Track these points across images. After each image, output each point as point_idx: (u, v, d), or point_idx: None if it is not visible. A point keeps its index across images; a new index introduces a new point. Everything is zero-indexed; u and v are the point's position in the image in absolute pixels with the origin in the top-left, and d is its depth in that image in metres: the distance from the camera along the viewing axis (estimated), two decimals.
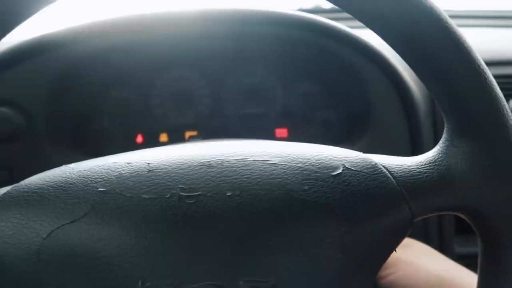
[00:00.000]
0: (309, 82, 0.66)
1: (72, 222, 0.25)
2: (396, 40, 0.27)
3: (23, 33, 0.51)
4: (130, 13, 0.56)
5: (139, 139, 0.65)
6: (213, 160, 0.27)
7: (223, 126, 0.67)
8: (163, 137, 0.66)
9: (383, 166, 0.28)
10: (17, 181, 0.55)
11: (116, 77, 0.63)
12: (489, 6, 0.97)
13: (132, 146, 0.65)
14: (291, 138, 0.67)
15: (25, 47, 0.52)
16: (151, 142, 0.65)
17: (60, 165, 0.56)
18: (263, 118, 0.67)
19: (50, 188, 0.26)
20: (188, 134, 0.66)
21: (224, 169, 0.27)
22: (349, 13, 0.28)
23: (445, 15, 0.27)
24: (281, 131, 0.67)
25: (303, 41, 0.60)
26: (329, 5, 0.89)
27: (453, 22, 0.27)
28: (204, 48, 0.63)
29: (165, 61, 0.65)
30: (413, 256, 0.45)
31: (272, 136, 0.67)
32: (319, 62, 0.64)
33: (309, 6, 0.93)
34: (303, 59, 0.64)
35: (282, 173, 0.27)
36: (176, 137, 0.66)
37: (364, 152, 0.62)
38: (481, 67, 0.27)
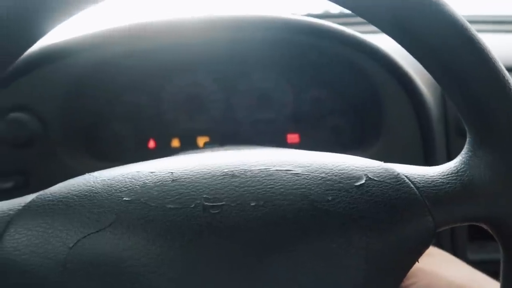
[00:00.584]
0: (321, 87, 0.66)
1: (97, 231, 0.25)
2: (420, 52, 0.27)
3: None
4: (143, 20, 0.56)
5: (151, 144, 0.65)
6: (236, 170, 0.27)
7: (234, 132, 0.67)
8: (175, 142, 0.66)
9: (406, 176, 0.28)
10: (33, 186, 0.55)
11: (129, 82, 0.64)
12: (490, 10, 0.96)
13: (144, 151, 0.65)
14: (302, 143, 0.67)
15: (41, 54, 0.53)
16: (163, 147, 0.65)
17: (74, 170, 0.56)
18: (275, 123, 0.67)
19: (75, 197, 0.27)
20: (200, 139, 0.66)
21: (247, 179, 0.27)
22: (368, 21, 0.28)
23: (468, 25, 0.27)
24: (293, 137, 0.67)
25: (314, 47, 0.60)
26: (338, 10, 0.89)
27: (476, 32, 0.27)
28: (216, 53, 0.64)
29: (177, 66, 0.65)
30: (436, 264, 0.45)
31: (283, 142, 0.67)
32: (330, 68, 0.64)
33: (319, 11, 0.93)
34: (315, 65, 0.64)
35: (305, 183, 0.27)
36: (188, 143, 0.66)
37: (376, 158, 0.62)
38: (505, 78, 0.27)
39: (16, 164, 0.52)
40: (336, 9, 0.89)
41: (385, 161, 0.61)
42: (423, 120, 0.59)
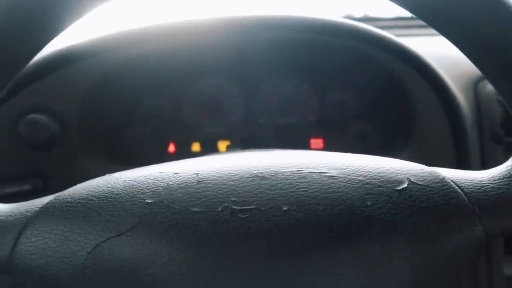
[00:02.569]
0: (346, 90, 0.64)
1: (118, 235, 0.23)
2: (480, 55, 0.25)
3: (59, 41, 0.51)
4: (164, 22, 0.55)
5: (171, 148, 0.64)
6: (266, 172, 0.25)
7: (256, 136, 0.65)
8: (196, 147, 0.64)
9: (452, 181, 0.26)
10: (52, 189, 0.54)
11: (149, 85, 0.63)
12: None
13: (164, 155, 0.63)
14: (326, 148, 0.64)
15: (62, 55, 0.52)
16: (183, 151, 0.64)
17: (94, 174, 0.55)
18: (297, 127, 0.65)
19: (95, 199, 0.25)
20: (220, 143, 0.65)
21: (278, 181, 0.25)
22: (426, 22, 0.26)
23: None
24: (316, 142, 0.65)
25: (340, 48, 0.58)
26: (376, 14, 0.85)
27: None
28: (238, 56, 0.62)
29: (198, 69, 0.64)
30: None
31: (306, 146, 0.65)
32: (356, 70, 0.62)
33: (359, 15, 0.90)
34: (340, 67, 0.62)
35: (342, 186, 0.24)
36: (209, 147, 0.64)
37: None
38: None
39: (34, 167, 0.51)
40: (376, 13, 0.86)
41: None
42: (456, 126, 0.56)
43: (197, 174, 0.26)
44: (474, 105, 0.58)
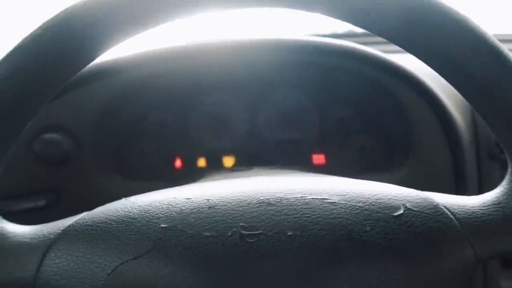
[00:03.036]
0: (347, 108, 0.66)
1: (135, 258, 0.25)
2: (457, 78, 0.27)
3: None
4: (173, 44, 0.57)
5: (178, 163, 0.66)
6: (272, 198, 0.27)
7: (260, 152, 0.67)
8: (201, 162, 0.66)
9: (445, 207, 0.27)
10: (65, 204, 0.56)
11: (156, 102, 0.65)
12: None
13: (170, 170, 0.65)
14: (328, 164, 0.66)
15: (77, 75, 0.54)
16: (189, 166, 0.66)
17: (105, 189, 0.57)
18: (300, 143, 0.67)
19: (114, 223, 0.27)
20: (225, 159, 0.67)
21: (283, 207, 0.27)
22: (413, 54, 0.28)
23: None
24: (318, 157, 0.67)
25: (340, 68, 0.60)
26: (361, 30, 0.88)
27: None
28: (242, 74, 0.64)
29: (204, 86, 0.66)
30: None
31: (308, 162, 0.67)
32: (356, 89, 0.64)
33: (342, 30, 0.93)
34: (341, 85, 0.64)
35: (342, 212, 0.26)
36: (214, 162, 0.66)
37: (405, 181, 0.60)
38: None
39: (49, 183, 0.53)
40: (345, 28, 0.89)
41: (414, 185, 0.60)
42: (453, 143, 0.58)
43: (208, 199, 0.28)
44: (470, 123, 0.60)
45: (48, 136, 0.51)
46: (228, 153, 0.67)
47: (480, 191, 0.58)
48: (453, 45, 0.26)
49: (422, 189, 0.61)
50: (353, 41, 0.61)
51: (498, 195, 0.28)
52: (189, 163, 0.66)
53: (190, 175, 0.63)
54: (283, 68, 0.61)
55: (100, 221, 0.27)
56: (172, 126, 0.66)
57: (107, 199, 0.57)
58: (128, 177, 0.62)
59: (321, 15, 0.27)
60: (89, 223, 0.28)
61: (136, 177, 0.63)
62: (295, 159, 0.67)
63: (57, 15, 0.26)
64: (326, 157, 0.67)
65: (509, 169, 0.29)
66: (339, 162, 0.66)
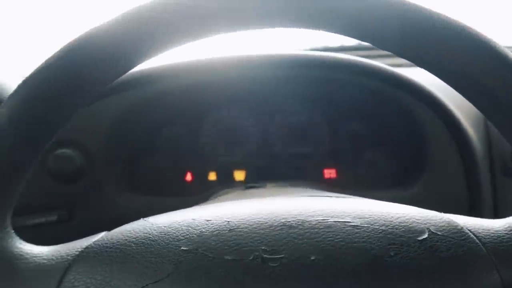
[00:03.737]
0: (359, 123, 0.65)
1: (156, 282, 0.25)
2: (486, 103, 0.27)
3: None
4: (185, 59, 0.58)
5: (188, 177, 0.66)
6: (293, 220, 0.27)
7: (271, 166, 0.67)
8: (212, 176, 0.66)
9: (470, 231, 0.27)
10: (76, 219, 0.56)
11: (168, 116, 0.65)
12: None
13: (181, 184, 0.65)
14: (340, 179, 0.66)
15: None
16: (200, 180, 0.66)
17: (116, 204, 0.57)
18: (312, 157, 0.67)
19: (133, 245, 0.27)
20: (236, 173, 0.66)
21: (305, 231, 0.26)
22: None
23: None
24: (330, 172, 0.66)
25: (351, 83, 0.60)
26: (355, 43, 0.88)
27: None
28: (253, 89, 0.64)
29: (216, 100, 0.66)
30: None
31: (320, 177, 0.66)
32: (368, 104, 0.64)
33: (351, 43, 0.93)
34: (353, 100, 0.64)
35: (366, 236, 0.26)
36: (225, 176, 0.66)
37: (419, 197, 0.59)
38: None
39: (60, 198, 0.53)
40: (353, 41, 0.89)
41: (428, 202, 0.59)
42: (467, 159, 0.57)
43: (228, 221, 0.27)
44: (484, 139, 0.59)
45: (60, 152, 0.51)
46: (239, 167, 0.67)
47: (495, 208, 0.57)
48: (468, 61, 0.26)
49: (436, 206, 0.60)
50: (362, 54, 0.61)
51: None
52: (200, 176, 0.66)
53: (202, 189, 0.63)
54: (293, 82, 0.61)
55: (119, 242, 0.27)
56: (184, 140, 0.66)
57: (118, 214, 0.57)
58: (139, 191, 0.62)
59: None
60: (108, 244, 0.27)
61: (147, 191, 0.62)
62: (306, 173, 0.66)
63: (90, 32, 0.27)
64: (338, 172, 0.66)
65: None
66: (351, 177, 0.65)
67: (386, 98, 0.59)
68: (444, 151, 0.58)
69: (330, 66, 0.57)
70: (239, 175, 0.66)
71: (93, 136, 0.55)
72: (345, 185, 0.64)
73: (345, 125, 0.66)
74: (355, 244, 0.25)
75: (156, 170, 0.65)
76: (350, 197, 0.34)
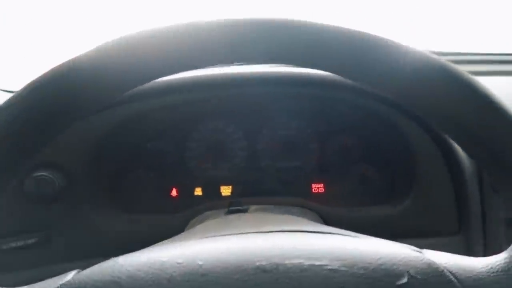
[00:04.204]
0: (347, 138, 0.64)
1: None
2: (471, 145, 0.26)
3: None
4: (171, 77, 0.56)
5: (174, 193, 0.65)
6: (268, 264, 0.26)
7: (258, 180, 0.66)
8: (198, 191, 0.65)
9: (451, 273, 0.26)
10: (56, 241, 0.54)
11: (153, 132, 0.64)
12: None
13: (166, 199, 0.64)
14: (328, 194, 0.65)
15: None
16: (186, 196, 0.64)
17: (97, 225, 0.55)
18: (299, 172, 0.65)
19: None
20: (223, 188, 0.65)
21: (280, 275, 0.25)
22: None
23: None
24: (318, 186, 0.65)
25: (340, 100, 0.59)
26: None
27: None
28: (240, 102, 0.63)
29: (202, 115, 0.64)
30: None
31: (308, 191, 0.65)
32: (357, 120, 0.63)
33: None
34: (341, 117, 0.63)
35: (344, 281, 0.25)
36: (211, 191, 0.65)
37: (407, 213, 0.58)
38: None
39: (40, 220, 0.52)
40: None
41: (416, 218, 0.58)
42: (456, 175, 0.56)
43: (201, 265, 0.26)
44: None
45: (39, 173, 0.49)
46: (225, 182, 0.65)
47: (484, 224, 0.57)
48: (456, 106, 0.25)
49: (425, 223, 0.59)
50: None
51: (506, 260, 0.27)
52: (185, 192, 0.64)
53: (187, 205, 0.62)
54: (281, 97, 0.60)
55: (86, 287, 0.26)
56: (168, 153, 0.65)
57: (100, 235, 0.56)
58: (122, 209, 0.60)
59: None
60: None
61: (130, 209, 0.61)
62: (294, 187, 0.65)
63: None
64: (326, 187, 0.65)
65: None
66: (339, 192, 0.64)
67: (374, 113, 0.58)
68: (433, 167, 0.57)
69: (315, 84, 0.56)
70: (226, 191, 0.65)
71: (74, 157, 0.53)
72: (333, 200, 0.64)
73: (333, 141, 0.65)
74: None
75: (141, 186, 0.63)
76: (331, 232, 0.33)
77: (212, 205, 0.61)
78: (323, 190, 0.65)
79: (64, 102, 0.26)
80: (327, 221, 0.59)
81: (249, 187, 0.65)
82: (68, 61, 0.26)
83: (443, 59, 0.25)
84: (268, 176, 0.65)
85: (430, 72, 0.25)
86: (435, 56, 0.26)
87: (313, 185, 0.65)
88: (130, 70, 0.26)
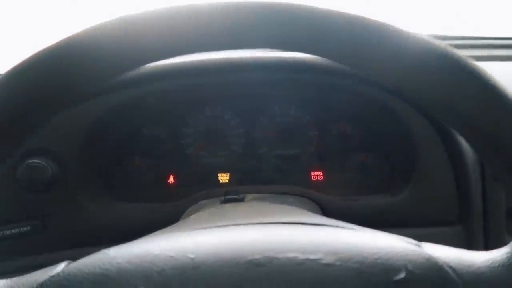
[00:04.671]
0: (347, 123, 0.63)
1: None
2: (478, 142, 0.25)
3: None
4: (168, 62, 0.54)
5: (171, 180, 0.64)
6: (262, 258, 0.25)
7: (256, 168, 0.65)
8: (195, 178, 0.64)
9: (450, 267, 0.25)
10: (50, 230, 0.54)
11: (149, 117, 0.62)
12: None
13: (163, 187, 0.63)
14: (326, 181, 0.64)
15: None
16: (183, 183, 0.64)
17: (92, 213, 0.54)
18: (298, 159, 0.65)
19: (89, 283, 0.25)
20: (220, 175, 0.64)
21: (274, 269, 0.24)
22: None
23: None
24: (316, 174, 0.65)
25: (340, 86, 0.58)
26: None
27: None
28: (238, 88, 0.62)
29: (199, 101, 0.63)
30: None
31: (307, 179, 0.64)
32: (357, 107, 0.61)
33: None
34: (341, 103, 0.62)
35: (338, 275, 0.24)
36: (208, 179, 0.64)
37: (407, 202, 0.57)
38: None
39: (33, 209, 0.51)
40: None
41: (416, 207, 0.57)
42: (458, 164, 0.55)
43: (193, 258, 0.25)
44: None
45: (32, 162, 0.49)
46: (223, 169, 0.65)
47: (485, 213, 0.56)
48: (460, 97, 0.24)
49: (425, 212, 0.58)
50: None
51: (508, 255, 0.26)
52: (183, 179, 0.64)
53: (185, 192, 0.61)
54: (279, 84, 0.59)
55: (76, 279, 0.25)
56: (165, 140, 0.63)
57: (94, 223, 0.55)
58: (117, 197, 0.59)
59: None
60: (63, 282, 0.25)
61: (126, 197, 0.60)
62: (292, 175, 0.64)
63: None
64: (325, 174, 0.64)
65: None
66: (338, 180, 0.64)
67: (374, 100, 0.57)
68: (434, 155, 0.56)
69: (314, 70, 0.55)
70: (224, 178, 0.64)
71: (67, 144, 0.52)
72: (332, 188, 0.63)
73: (332, 125, 0.63)
74: (325, 285, 0.24)
75: (137, 172, 0.62)
76: (327, 224, 0.32)
77: (209, 193, 0.60)
78: (322, 178, 0.64)
79: (56, 83, 0.25)
80: (325, 210, 0.59)
81: (247, 174, 0.64)
82: (64, 39, 0.25)
83: (444, 44, 0.24)
84: (267, 164, 0.65)
85: (431, 58, 0.24)
86: (436, 41, 0.24)
87: (312, 173, 0.64)
88: (127, 51, 0.25)
